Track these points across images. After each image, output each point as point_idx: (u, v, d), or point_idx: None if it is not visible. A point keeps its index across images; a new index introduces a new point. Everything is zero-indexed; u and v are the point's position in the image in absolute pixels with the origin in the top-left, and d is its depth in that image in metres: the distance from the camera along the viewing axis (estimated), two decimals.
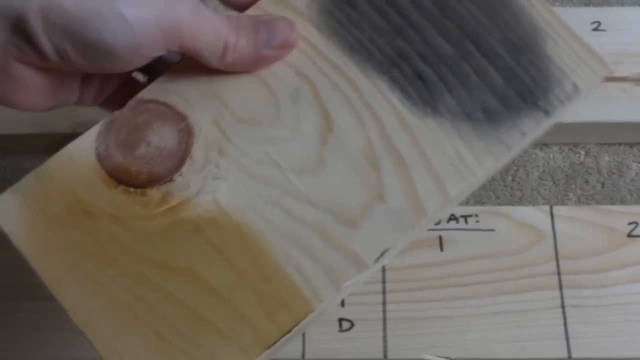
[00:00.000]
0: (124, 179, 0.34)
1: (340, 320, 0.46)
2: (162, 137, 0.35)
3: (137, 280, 0.33)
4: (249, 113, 0.35)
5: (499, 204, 0.50)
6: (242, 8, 0.37)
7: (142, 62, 0.33)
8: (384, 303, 0.46)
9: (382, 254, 0.33)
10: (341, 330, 0.45)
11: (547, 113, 0.35)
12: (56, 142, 0.41)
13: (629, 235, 0.47)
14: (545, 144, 0.52)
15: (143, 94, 0.36)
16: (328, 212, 0.33)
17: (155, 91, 0.36)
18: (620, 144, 0.53)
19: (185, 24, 0.32)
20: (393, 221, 0.33)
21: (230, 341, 0.31)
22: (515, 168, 0.51)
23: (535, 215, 0.48)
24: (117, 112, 0.35)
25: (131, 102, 0.35)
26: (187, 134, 0.35)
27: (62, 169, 0.34)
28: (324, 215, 0.33)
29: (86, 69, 0.33)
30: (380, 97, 0.35)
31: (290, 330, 0.31)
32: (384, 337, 0.45)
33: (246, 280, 0.32)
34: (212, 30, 0.33)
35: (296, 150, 0.35)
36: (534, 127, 0.34)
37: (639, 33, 0.54)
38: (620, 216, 0.48)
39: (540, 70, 0.35)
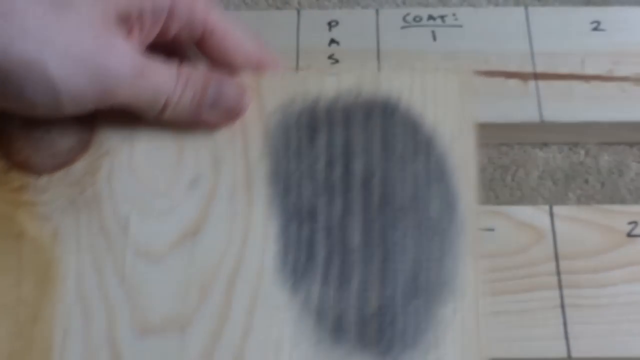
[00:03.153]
0: (4, 145, 0.32)
1: None
2: (61, 134, 0.32)
3: None
4: (144, 168, 0.32)
5: (499, 204, 0.50)
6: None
7: (69, 114, 0.31)
8: None
9: None
10: None
11: None
12: None
13: (629, 235, 0.47)
14: (545, 144, 0.52)
15: None
16: (129, 303, 0.30)
17: None
18: (619, 144, 0.52)
19: (122, 87, 0.30)
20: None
21: None
22: (514, 168, 0.51)
23: (534, 215, 0.47)
24: None
25: None
26: (82, 147, 0.32)
27: None
28: (125, 304, 0.30)
29: (7, 109, 0.31)
30: (262, 241, 0.32)
31: None
32: None
33: (20, 309, 0.30)
34: (154, 88, 0.31)
35: (152, 230, 0.32)
36: None
37: (639, 33, 0.54)
38: (620, 216, 0.48)
39: (418, 326, 0.31)
